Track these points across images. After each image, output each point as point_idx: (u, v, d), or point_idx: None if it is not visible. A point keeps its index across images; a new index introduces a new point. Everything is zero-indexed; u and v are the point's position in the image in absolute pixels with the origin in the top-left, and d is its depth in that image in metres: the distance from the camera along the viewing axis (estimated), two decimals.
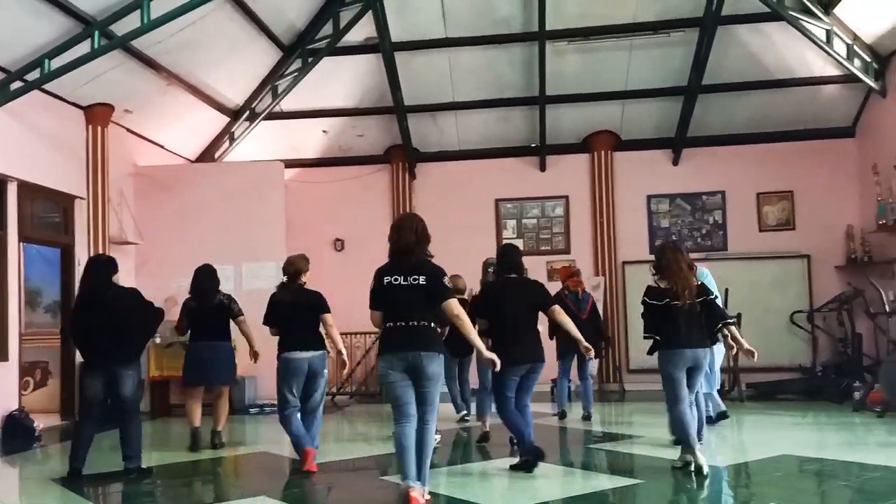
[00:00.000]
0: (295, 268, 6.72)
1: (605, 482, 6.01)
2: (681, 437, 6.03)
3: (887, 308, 9.97)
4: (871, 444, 7.55)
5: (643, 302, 5.98)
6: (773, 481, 5.74)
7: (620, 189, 12.86)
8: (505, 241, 10.98)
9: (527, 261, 6.60)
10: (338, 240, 13.28)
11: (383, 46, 11.29)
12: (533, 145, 13.01)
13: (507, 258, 6.44)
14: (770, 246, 12.41)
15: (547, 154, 13.00)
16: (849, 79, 11.41)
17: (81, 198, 10.15)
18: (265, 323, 6.73)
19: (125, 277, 10.84)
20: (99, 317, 6.18)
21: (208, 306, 7.57)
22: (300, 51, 11.45)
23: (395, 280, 5.02)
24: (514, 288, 6.30)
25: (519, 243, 12.99)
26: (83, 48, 8.72)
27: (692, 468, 5.75)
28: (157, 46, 9.72)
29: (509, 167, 13.18)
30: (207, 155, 12.60)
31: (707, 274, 7.47)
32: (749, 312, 10.81)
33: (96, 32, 8.67)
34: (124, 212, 10.88)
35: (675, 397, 5.87)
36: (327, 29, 11.21)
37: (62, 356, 9.98)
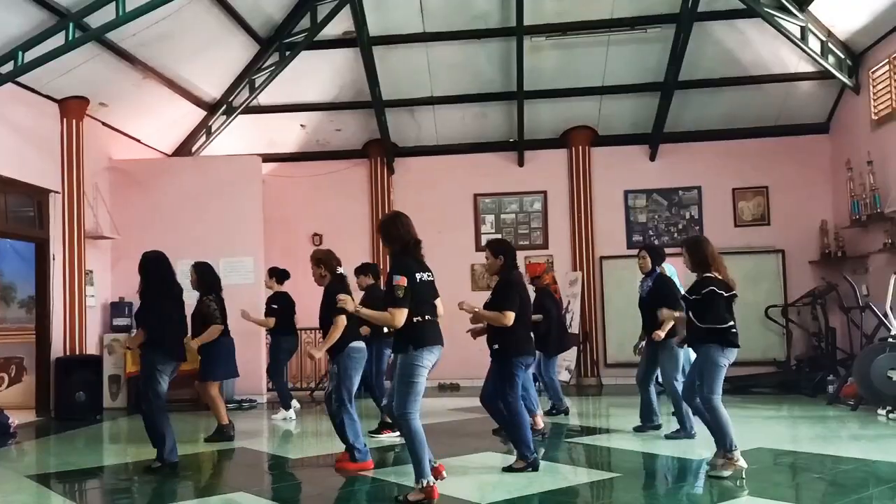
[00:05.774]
0: None
1: (583, 476, 6.05)
2: (724, 438, 5.63)
3: (860, 302, 10.09)
4: (844, 437, 7.68)
5: (711, 293, 5.71)
6: (748, 474, 5.79)
7: (598, 184, 12.91)
8: (490, 237, 10.99)
9: None
10: (316, 234, 13.21)
11: (361, 40, 11.24)
12: (511, 140, 13.03)
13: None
14: (745, 241, 12.51)
15: (525, 149, 13.02)
16: (823, 75, 11.53)
17: (56, 192, 10.01)
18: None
19: (101, 273, 10.81)
20: None
21: None
22: (277, 44, 11.37)
23: (427, 276, 5.15)
24: None
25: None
26: (57, 40, 8.60)
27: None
28: (133, 39, 9.61)
29: (487, 162, 13.19)
30: (184, 149, 12.50)
31: (675, 272, 7.60)
32: None
33: (71, 24, 8.56)
34: (100, 206, 10.76)
35: (719, 388, 5.66)
36: (305, 22, 11.14)
37: (37, 352, 9.86)
